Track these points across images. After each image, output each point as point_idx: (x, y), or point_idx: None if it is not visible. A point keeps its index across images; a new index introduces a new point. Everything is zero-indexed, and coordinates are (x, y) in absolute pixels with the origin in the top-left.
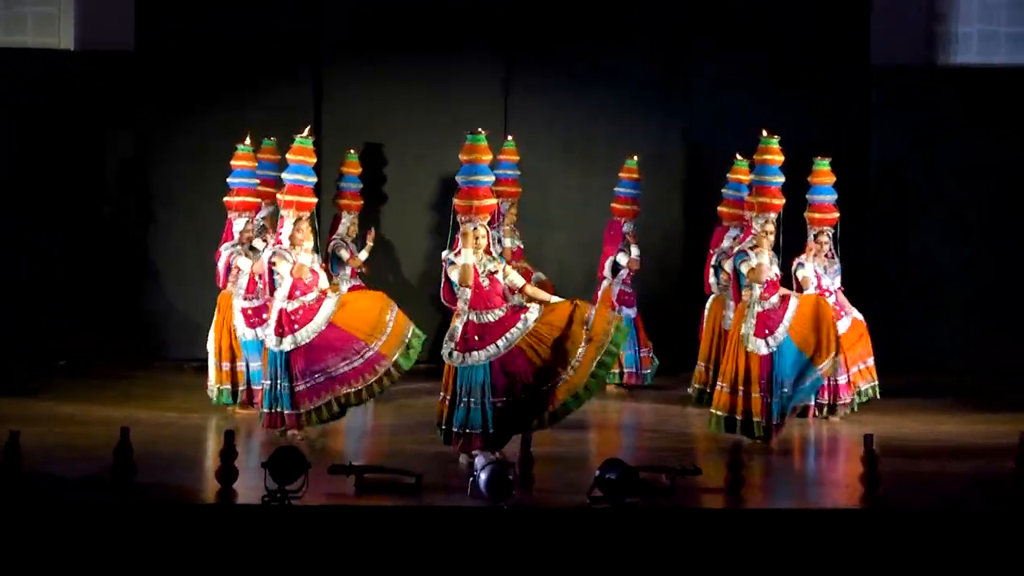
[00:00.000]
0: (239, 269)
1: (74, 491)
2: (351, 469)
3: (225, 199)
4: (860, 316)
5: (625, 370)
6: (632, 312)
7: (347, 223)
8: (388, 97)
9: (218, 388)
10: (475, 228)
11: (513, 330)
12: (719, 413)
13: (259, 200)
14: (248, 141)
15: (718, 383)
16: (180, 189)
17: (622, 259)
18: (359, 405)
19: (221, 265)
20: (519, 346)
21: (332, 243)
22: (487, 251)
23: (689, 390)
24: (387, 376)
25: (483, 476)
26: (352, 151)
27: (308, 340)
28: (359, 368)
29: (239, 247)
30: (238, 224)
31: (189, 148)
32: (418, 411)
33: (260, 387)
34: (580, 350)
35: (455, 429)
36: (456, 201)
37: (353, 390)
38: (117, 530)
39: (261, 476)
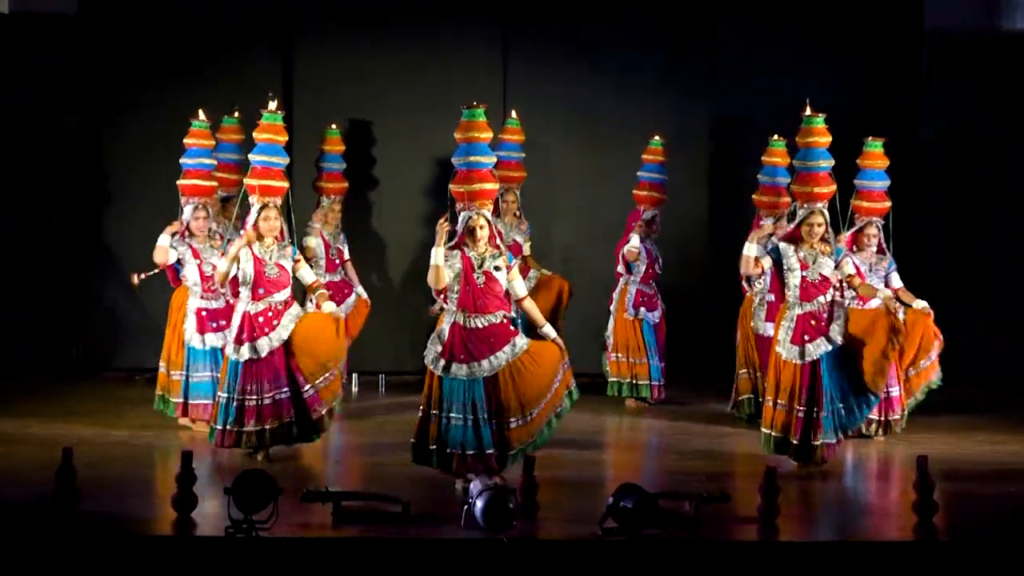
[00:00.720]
0: (185, 263)
1: (10, 520)
2: (328, 495)
3: (179, 183)
4: (925, 305)
5: (652, 383)
6: (654, 316)
7: (325, 207)
8: (370, 68)
9: (160, 395)
10: (471, 218)
11: (500, 354)
12: (765, 431)
13: (215, 184)
14: (202, 116)
15: (765, 396)
16: (134, 172)
17: (625, 250)
18: (284, 444)
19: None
20: (501, 372)
21: (306, 230)
22: (492, 243)
23: (729, 408)
24: (320, 424)
25: (480, 504)
26: (334, 126)
27: (267, 352)
28: (292, 406)
29: (186, 238)
30: (187, 211)
31: (143, 126)
32: (404, 428)
33: (203, 402)
34: (540, 404)
35: (451, 450)
36: (452, 186)
37: (281, 427)
38: (59, 565)
39: (224, 504)
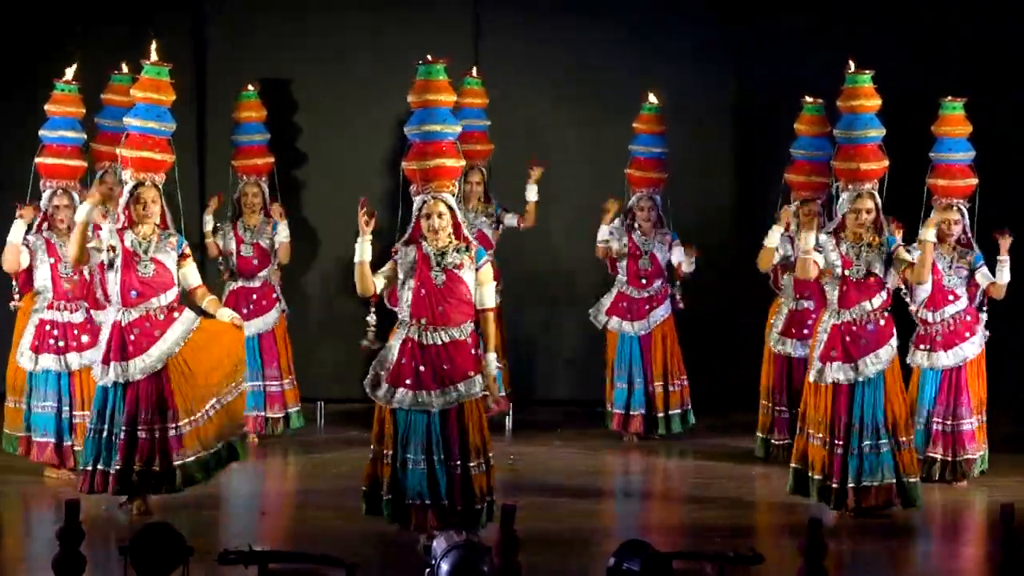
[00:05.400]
0: (36, 262)
1: None
2: (252, 557)
3: (36, 160)
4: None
5: (617, 410)
6: (636, 328)
7: (236, 192)
8: (304, 15)
9: (7, 434)
10: (427, 203)
11: (452, 391)
12: (794, 466)
13: (82, 164)
14: (70, 77)
15: (798, 426)
16: (7, 150)
17: (612, 245)
18: (139, 493)
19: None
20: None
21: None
22: (458, 235)
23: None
24: (178, 476)
25: (444, 568)
26: (250, 87)
27: (140, 376)
28: (150, 445)
29: (43, 232)
30: (45, 196)
31: (13, 89)
32: (349, 469)
33: (46, 440)
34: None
35: (409, 500)
36: (405, 163)
37: (143, 468)
38: None
39: (120, 567)
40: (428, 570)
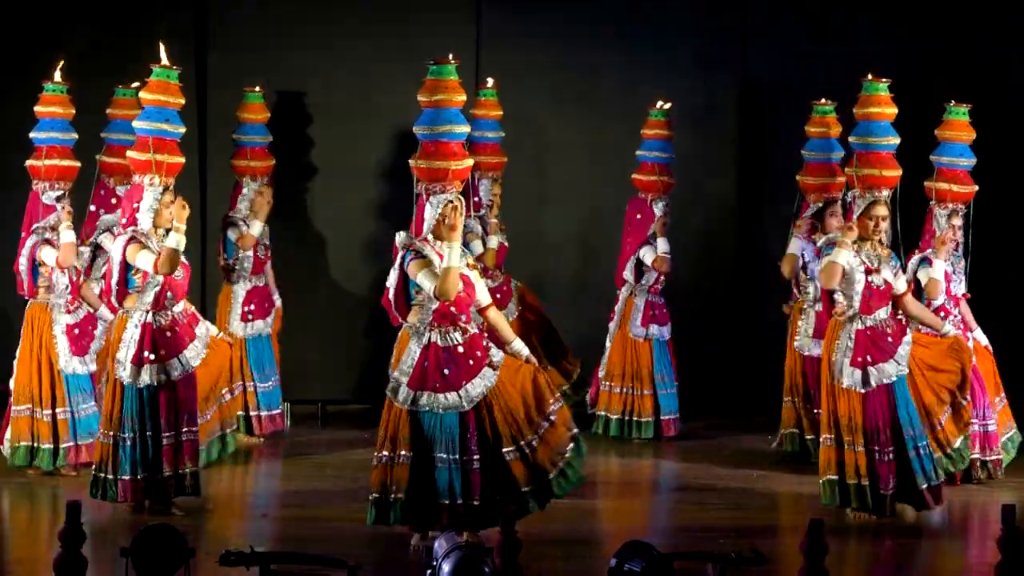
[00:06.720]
0: (48, 266)
1: None
2: (253, 558)
3: (29, 163)
4: (985, 339)
5: (663, 417)
6: (665, 332)
7: (249, 193)
8: (305, 18)
9: (17, 446)
10: (449, 202)
11: (477, 380)
12: (829, 477)
13: (75, 164)
14: (59, 77)
15: (822, 434)
16: (6, 150)
17: (647, 256)
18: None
19: (23, 260)
20: (486, 399)
21: (228, 220)
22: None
23: (769, 438)
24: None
25: (446, 568)
26: (257, 89)
27: (178, 377)
28: (184, 445)
29: (48, 233)
30: (48, 198)
31: (12, 89)
32: (350, 471)
33: (94, 440)
34: (536, 435)
35: (441, 500)
36: (414, 163)
37: (179, 471)
38: None
39: (122, 568)
40: (429, 571)
